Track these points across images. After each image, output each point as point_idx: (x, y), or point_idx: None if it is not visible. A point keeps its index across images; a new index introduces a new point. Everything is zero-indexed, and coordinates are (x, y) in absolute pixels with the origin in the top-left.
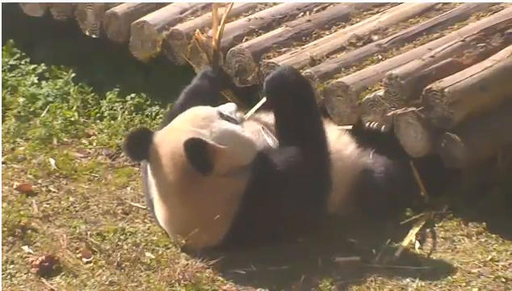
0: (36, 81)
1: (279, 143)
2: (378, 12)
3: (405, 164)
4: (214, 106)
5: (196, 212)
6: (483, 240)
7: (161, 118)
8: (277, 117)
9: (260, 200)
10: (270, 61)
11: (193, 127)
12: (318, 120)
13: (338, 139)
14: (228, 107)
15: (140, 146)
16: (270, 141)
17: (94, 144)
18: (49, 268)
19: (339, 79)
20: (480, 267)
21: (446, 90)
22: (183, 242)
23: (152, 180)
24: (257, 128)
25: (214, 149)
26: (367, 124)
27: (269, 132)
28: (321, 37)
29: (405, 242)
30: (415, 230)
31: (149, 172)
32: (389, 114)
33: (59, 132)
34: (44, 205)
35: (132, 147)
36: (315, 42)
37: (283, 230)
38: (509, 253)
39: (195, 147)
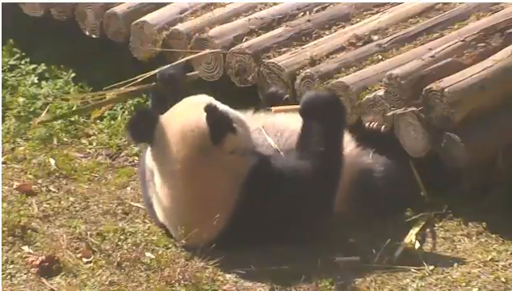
0: (36, 81)
1: (297, 148)
2: (378, 12)
3: (405, 164)
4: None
5: (201, 191)
6: (483, 240)
7: None
8: (304, 128)
9: (263, 186)
10: (270, 60)
11: (198, 108)
12: (341, 143)
13: None
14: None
15: (143, 128)
16: (271, 140)
17: (94, 144)
18: (49, 268)
19: (339, 79)
20: (480, 267)
21: (446, 90)
22: (183, 241)
23: (153, 167)
24: (257, 128)
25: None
26: (367, 124)
27: (268, 132)
28: (321, 37)
29: (405, 242)
30: (415, 230)
31: (151, 158)
32: (389, 114)
33: (59, 132)
34: (44, 205)
35: (135, 129)
36: (315, 42)
37: (284, 222)
38: (509, 253)
39: (214, 110)
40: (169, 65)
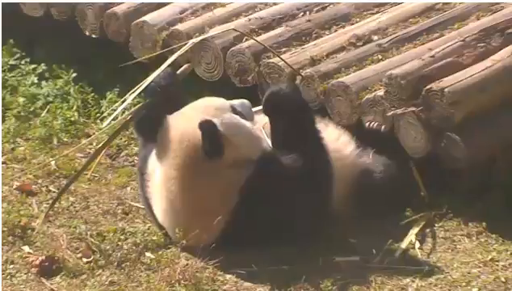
0: (36, 81)
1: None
2: (378, 12)
3: (405, 164)
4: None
5: (195, 201)
6: (483, 240)
7: None
8: (272, 127)
9: (260, 194)
10: (270, 60)
11: (204, 115)
12: (315, 131)
13: (338, 139)
14: (242, 104)
15: (149, 125)
16: (269, 141)
17: (94, 144)
18: (49, 268)
19: (339, 79)
20: (480, 267)
21: (446, 90)
22: (184, 242)
23: (155, 167)
24: (257, 127)
25: (223, 137)
26: (367, 124)
27: (268, 132)
28: (321, 37)
29: (405, 242)
30: (415, 230)
31: (154, 156)
32: (389, 114)
33: (59, 132)
34: (44, 205)
35: (141, 124)
36: (315, 42)
37: (282, 227)
38: (509, 253)
39: (209, 129)
40: (155, 77)
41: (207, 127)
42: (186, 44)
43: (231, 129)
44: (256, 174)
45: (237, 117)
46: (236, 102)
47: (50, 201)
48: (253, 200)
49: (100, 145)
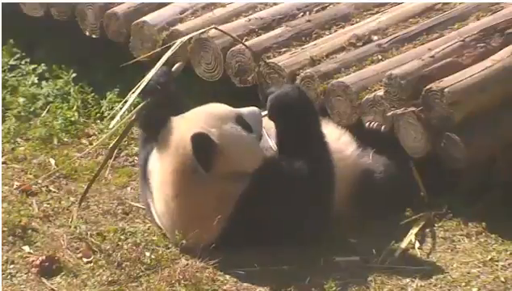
0: (36, 81)
1: (280, 153)
2: (378, 12)
3: (405, 164)
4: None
5: (187, 208)
6: (483, 240)
7: None
8: (279, 131)
9: (255, 206)
10: (271, 60)
11: (204, 124)
12: (321, 137)
13: (338, 139)
14: (250, 113)
15: (155, 125)
16: (272, 143)
17: (94, 144)
18: (49, 268)
19: (339, 79)
20: (479, 267)
21: (446, 90)
22: (183, 242)
23: (154, 167)
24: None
25: (218, 149)
26: (367, 124)
27: (270, 134)
28: (321, 37)
29: (405, 242)
30: (415, 230)
31: (155, 156)
32: (389, 114)
33: (59, 132)
34: (44, 205)
35: (146, 120)
36: (315, 42)
37: (273, 242)
38: (508, 253)
39: (200, 141)
40: (153, 74)
41: (198, 140)
42: (174, 43)
43: (228, 142)
44: (251, 188)
45: (238, 129)
46: (244, 110)
47: (50, 201)
48: (246, 213)
49: (113, 143)
